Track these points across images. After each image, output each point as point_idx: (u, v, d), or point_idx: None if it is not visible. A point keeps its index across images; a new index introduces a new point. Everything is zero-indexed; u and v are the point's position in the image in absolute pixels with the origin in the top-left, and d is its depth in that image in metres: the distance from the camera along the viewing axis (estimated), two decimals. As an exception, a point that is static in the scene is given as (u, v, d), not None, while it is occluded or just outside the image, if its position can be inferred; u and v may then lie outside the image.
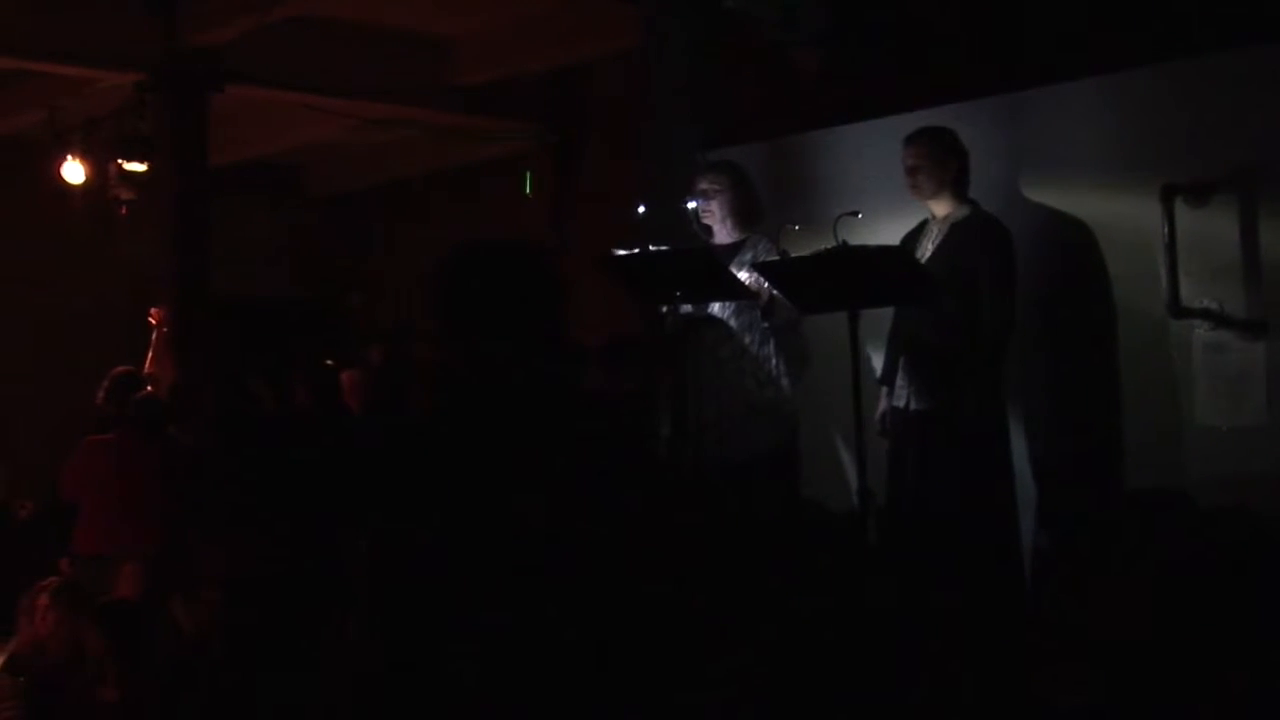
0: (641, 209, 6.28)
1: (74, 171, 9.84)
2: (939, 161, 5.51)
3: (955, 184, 5.53)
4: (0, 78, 9.88)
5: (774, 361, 5.93)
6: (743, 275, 5.75)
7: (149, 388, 8.07)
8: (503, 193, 11.59)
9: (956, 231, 5.48)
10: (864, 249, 5.14)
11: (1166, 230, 5.34)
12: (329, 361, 9.39)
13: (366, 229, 13.61)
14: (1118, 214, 5.65)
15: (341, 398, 8.36)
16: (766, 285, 5.66)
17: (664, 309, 5.89)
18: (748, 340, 5.92)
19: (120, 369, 7.74)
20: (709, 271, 5.63)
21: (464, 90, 10.20)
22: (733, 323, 5.94)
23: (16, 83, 9.87)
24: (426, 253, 11.28)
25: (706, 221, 6.08)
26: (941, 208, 5.57)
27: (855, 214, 5.37)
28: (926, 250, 5.53)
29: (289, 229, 13.40)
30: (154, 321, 8.18)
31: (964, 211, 5.52)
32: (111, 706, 5.74)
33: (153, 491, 7.41)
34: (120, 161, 9.41)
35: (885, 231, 5.70)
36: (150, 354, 8.15)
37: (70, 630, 6.51)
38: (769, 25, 6.41)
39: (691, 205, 6.14)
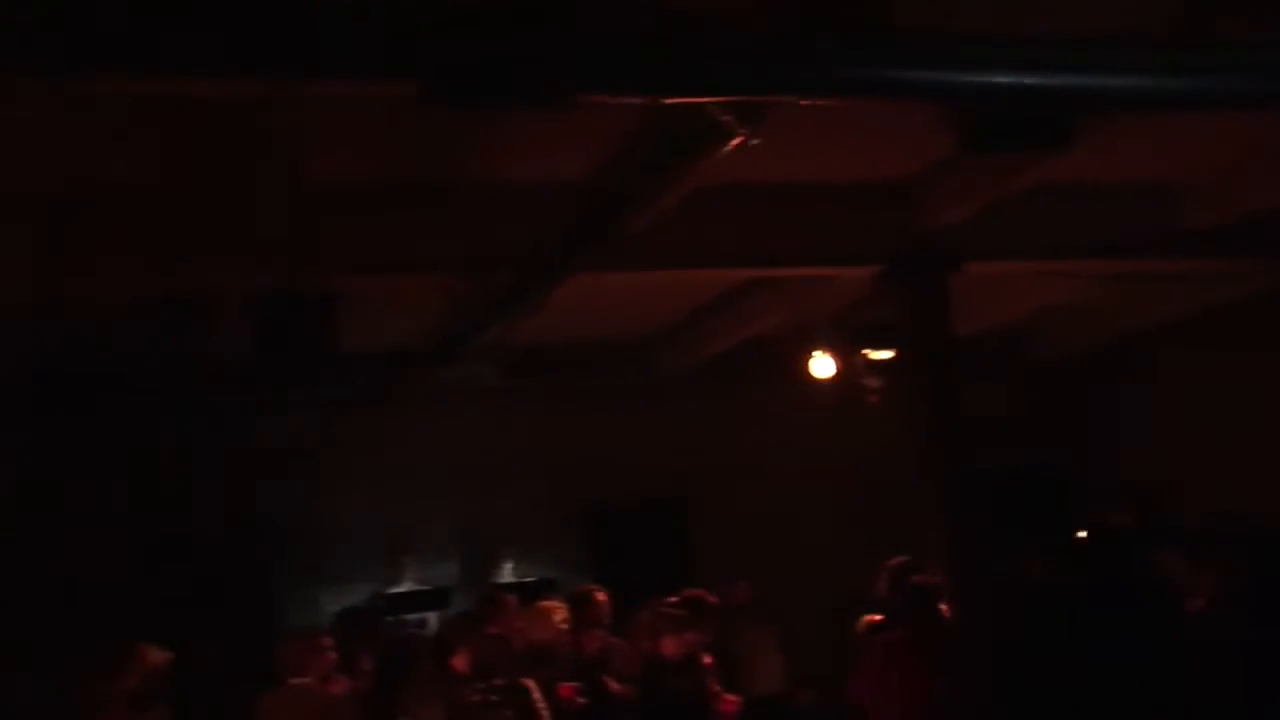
0: None
1: (823, 365, 10.17)
2: None
3: None
4: (748, 286, 10.49)
5: None
6: None
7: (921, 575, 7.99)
8: (1243, 338, 10.77)
9: None
10: None
11: None
12: (1080, 533, 8.98)
13: (1091, 390, 13.14)
14: None
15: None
16: None
17: None
18: None
19: (898, 559, 7.71)
20: None
21: (1200, 234, 9.59)
22: None
23: (762, 289, 10.43)
24: (1160, 411, 10.56)
25: None
26: None
27: None
28: None
29: (1012, 396, 13.18)
30: None
31: None
32: None
33: (942, 686, 7.23)
34: (866, 351, 9.62)
35: None
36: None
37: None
38: None
39: None
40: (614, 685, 7.88)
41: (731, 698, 8.33)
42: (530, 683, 7.07)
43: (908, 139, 8.23)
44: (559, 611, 7.90)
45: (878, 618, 8.12)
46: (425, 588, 12.19)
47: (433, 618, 11.94)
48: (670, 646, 7.28)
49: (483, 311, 9.02)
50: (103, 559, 10.83)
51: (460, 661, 6.81)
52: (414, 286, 9.23)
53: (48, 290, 7.42)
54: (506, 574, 12.45)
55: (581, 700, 7.46)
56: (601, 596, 8.17)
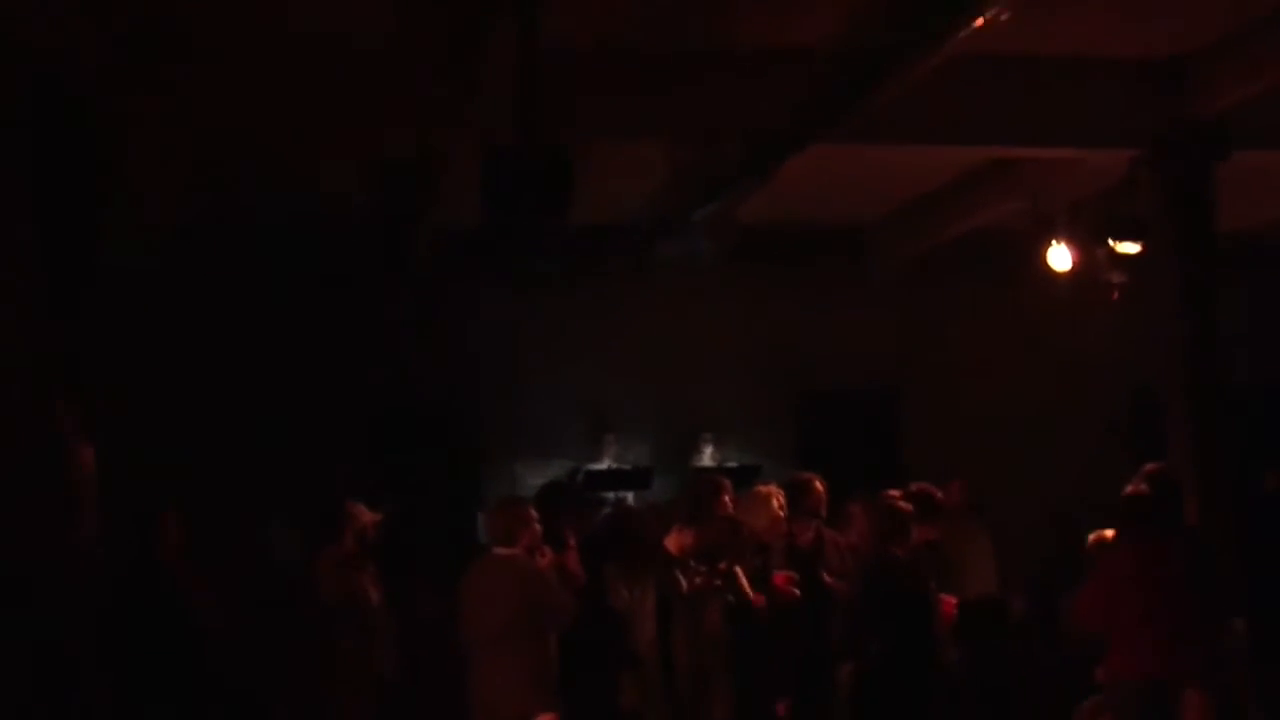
0: None
1: (1060, 257, 9.53)
2: None
3: None
4: (984, 170, 9.87)
5: None
6: None
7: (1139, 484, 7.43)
8: None
9: None
10: None
11: None
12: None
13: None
14: None
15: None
16: None
17: None
18: None
19: (1153, 466, 7.13)
20: None
21: None
22: None
23: (999, 173, 9.80)
24: None
25: None
26: None
27: None
28: None
29: (1262, 306, 12.29)
30: None
31: None
32: None
33: (1185, 604, 6.69)
34: (1111, 243, 8.95)
35: None
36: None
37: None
38: None
39: None
40: (828, 579, 7.56)
41: (950, 599, 7.94)
42: (738, 569, 6.78)
43: (1183, 11, 7.57)
44: (776, 498, 7.56)
45: (1109, 533, 7.59)
46: (625, 467, 11.97)
47: (630, 498, 11.76)
48: (898, 543, 6.87)
49: (709, 184, 8.59)
50: (311, 426, 10.85)
51: (674, 542, 6.51)
52: (637, 156, 8.87)
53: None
54: (707, 458, 12.16)
55: (796, 591, 7.14)
56: (820, 485, 7.81)
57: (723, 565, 6.37)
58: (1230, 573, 7.03)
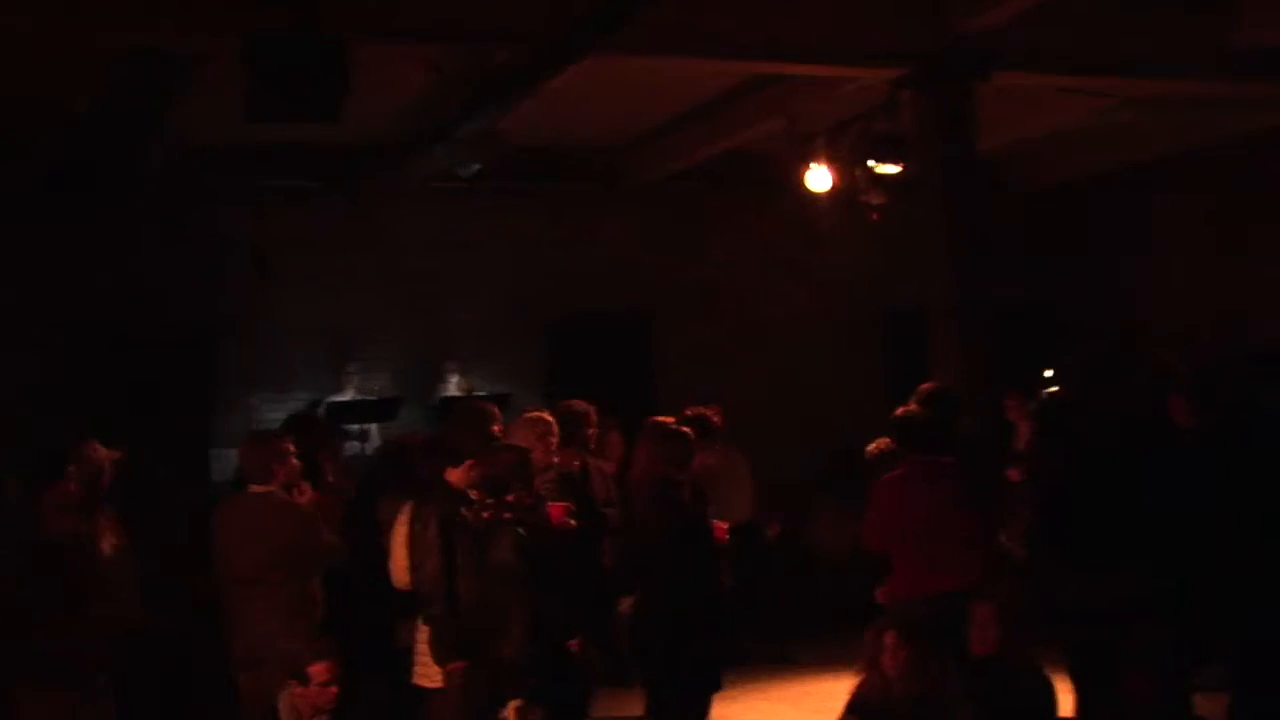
0: None
1: (820, 178, 9.45)
2: None
3: None
4: (744, 88, 9.70)
5: None
6: None
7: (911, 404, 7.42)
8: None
9: None
10: None
11: None
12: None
13: (1076, 223, 12.64)
14: None
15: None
16: None
17: None
18: None
19: (928, 385, 7.13)
20: None
21: (1241, 55, 8.93)
22: None
23: (759, 92, 9.64)
24: (1154, 246, 9.96)
25: None
26: None
27: None
28: None
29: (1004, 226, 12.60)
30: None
31: None
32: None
33: (964, 519, 6.72)
34: (872, 164, 8.91)
35: None
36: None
37: (923, 673, 5.99)
38: None
39: None
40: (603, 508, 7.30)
41: (721, 524, 7.79)
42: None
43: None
44: (547, 425, 7.22)
45: (887, 441, 7.52)
46: (369, 398, 11.44)
47: (374, 430, 11.26)
48: (679, 469, 6.63)
49: (473, 97, 8.10)
50: (35, 358, 9.90)
51: (456, 475, 6.10)
52: (391, 68, 8.32)
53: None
54: (454, 386, 11.75)
55: (573, 522, 6.84)
56: (594, 415, 7.52)
57: (511, 497, 6.02)
58: (1000, 487, 7.09)
